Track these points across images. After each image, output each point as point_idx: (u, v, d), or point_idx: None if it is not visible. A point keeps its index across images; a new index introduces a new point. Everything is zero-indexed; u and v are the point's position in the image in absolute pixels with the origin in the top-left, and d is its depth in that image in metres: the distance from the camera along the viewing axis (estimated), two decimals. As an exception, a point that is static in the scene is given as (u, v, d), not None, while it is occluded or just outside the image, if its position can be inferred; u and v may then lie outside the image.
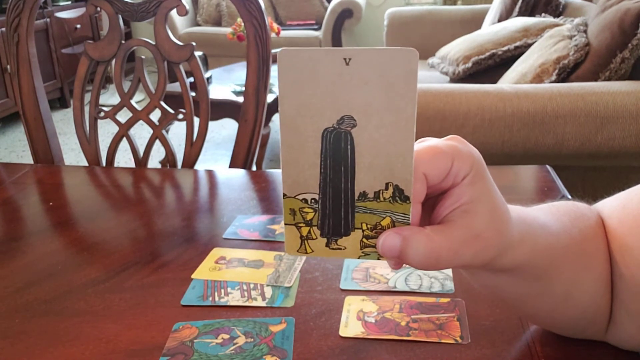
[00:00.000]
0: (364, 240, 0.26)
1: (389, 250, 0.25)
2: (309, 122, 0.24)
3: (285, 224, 0.26)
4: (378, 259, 0.26)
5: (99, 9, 0.88)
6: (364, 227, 0.25)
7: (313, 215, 0.26)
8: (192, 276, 0.52)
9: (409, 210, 0.24)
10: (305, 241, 0.26)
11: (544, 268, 0.32)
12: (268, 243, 0.58)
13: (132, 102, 0.90)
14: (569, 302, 0.35)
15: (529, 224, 0.31)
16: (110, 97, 3.48)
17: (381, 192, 0.25)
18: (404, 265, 0.27)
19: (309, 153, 0.24)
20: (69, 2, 3.69)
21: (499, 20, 2.32)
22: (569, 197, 0.65)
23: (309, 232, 0.26)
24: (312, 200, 0.25)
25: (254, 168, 0.93)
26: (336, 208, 0.25)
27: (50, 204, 0.70)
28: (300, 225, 0.26)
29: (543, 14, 2.13)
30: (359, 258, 0.26)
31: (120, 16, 0.88)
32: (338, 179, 0.25)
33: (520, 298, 0.35)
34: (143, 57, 0.91)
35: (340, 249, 0.26)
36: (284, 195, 0.26)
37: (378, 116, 0.23)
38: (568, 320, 0.38)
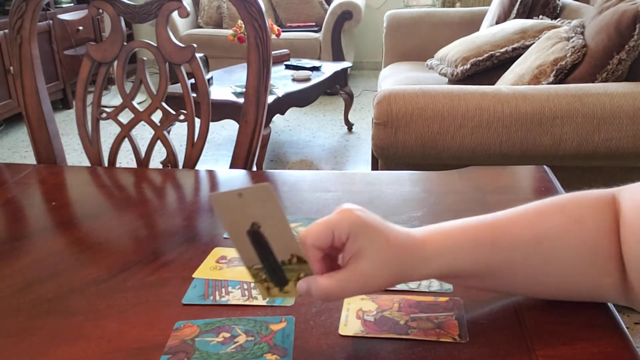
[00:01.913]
0: (296, 288, 0.41)
1: (302, 291, 0.40)
2: (241, 229, 0.40)
3: (255, 283, 0.42)
4: (300, 296, 0.42)
5: (101, 10, 0.89)
6: (293, 280, 0.41)
7: (265, 276, 0.42)
8: (194, 275, 0.52)
9: (309, 267, 0.40)
10: (269, 290, 0.42)
11: (479, 270, 0.43)
12: (268, 243, 0.58)
13: (134, 103, 0.90)
14: (542, 280, 0.44)
15: (441, 245, 0.42)
16: (112, 98, 3.48)
17: (290, 260, 0.40)
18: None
19: (248, 246, 0.41)
20: (72, 4, 3.70)
21: (497, 22, 2.32)
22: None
23: (268, 285, 0.42)
24: (261, 268, 0.41)
25: (254, 168, 0.93)
26: (272, 271, 0.41)
27: (53, 204, 0.70)
28: (262, 282, 0.42)
29: (540, 16, 2.14)
30: (298, 295, 0.42)
31: (122, 18, 0.89)
32: (266, 256, 0.41)
33: (498, 288, 0.46)
34: (145, 58, 0.91)
35: (288, 291, 0.42)
36: (247, 269, 0.42)
37: (267, 222, 0.39)
38: (556, 292, 0.45)
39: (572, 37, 1.54)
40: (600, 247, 0.42)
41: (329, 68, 2.87)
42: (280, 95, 2.40)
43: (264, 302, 0.48)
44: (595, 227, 0.42)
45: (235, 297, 0.49)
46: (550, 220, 0.43)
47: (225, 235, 0.60)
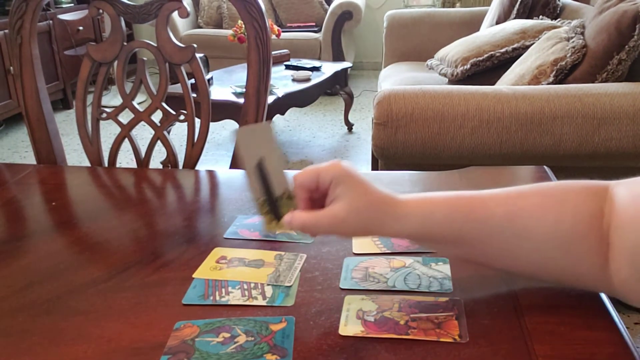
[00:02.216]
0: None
1: (285, 223, 0.46)
2: (252, 163, 0.48)
3: (260, 214, 0.49)
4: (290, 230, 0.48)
5: (101, 11, 0.89)
6: (285, 213, 0.47)
7: (267, 208, 0.48)
8: (193, 275, 0.52)
9: (296, 203, 0.47)
10: (271, 222, 0.48)
11: (448, 236, 0.45)
12: (268, 243, 0.58)
13: (134, 103, 0.90)
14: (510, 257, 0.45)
15: (417, 207, 0.45)
16: (112, 99, 3.48)
17: (282, 195, 0.48)
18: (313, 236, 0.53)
19: (256, 179, 0.48)
20: (72, 4, 3.70)
21: (497, 23, 2.32)
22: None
23: (271, 217, 0.48)
24: (264, 200, 0.48)
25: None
26: (271, 203, 0.48)
27: (53, 204, 0.70)
28: (266, 213, 0.48)
29: (541, 16, 2.14)
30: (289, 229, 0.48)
31: (122, 18, 0.89)
32: (267, 189, 0.48)
33: (474, 258, 0.48)
34: (145, 58, 0.91)
35: (282, 226, 0.48)
36: (254, 200, 0.49)
37: (269, 157, 0.47)
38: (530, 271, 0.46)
39: (572, 38, 1.54)
40: (578, 230, 0.42)
41: (329, 68, 2.87)
42: (280, 95, 2.40)
43: (264, 303, 0.48)
44: (574, 211, 0.43)
45: (235, 297, 0.49)
46: (527, 200, 0.45)
47: (225, 236, 0.60)
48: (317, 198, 0.46)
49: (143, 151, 0.92)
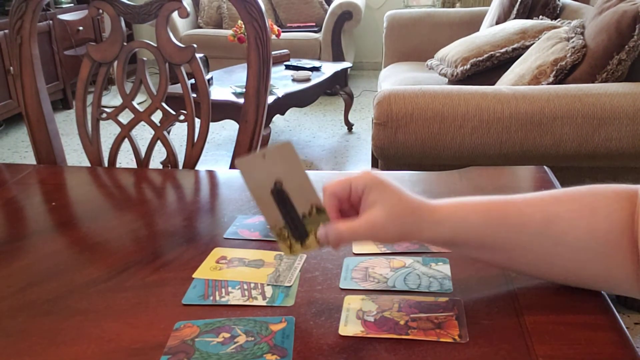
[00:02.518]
0: (316, 239, 0.47)
1: (321, 237, 0.45)
2: (265, 190, 0.46)
3: (278, 242, 0.48)
4: (320, 247, 0.47)
5: (101, 11, 0.89)
6: (313, 232, 0.46)
7: (287, 233, 0.47)
8: (193, 275, 0.52)
9: (327, 217, 0.46)
10: (291, 248, 0.48)
11: (480, 241, 0.45)
12: (268, 243, 0.58)
13: (134, 103, 0.90)
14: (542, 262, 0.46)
15: (452, 213, 0.46)
16: (112, 99, 3.48)
17: (310, 211, 0.46)
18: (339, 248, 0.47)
19: (272, 206, 0.46)
20: (72, 5, 3.70)
21: (497, 23, 2.32)
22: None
23: (290, 243, 0.47)
24: (284, 225, 0.47)
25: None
26: (294, 226, 0.47)
27: (53, 204, 0.70)
28: (285, 240, 0.47)
29: (540, 16, 2.14)
30: (320, 248, 0.47)
31: (122, 18, 0.89)
32: (289, 212, 0.46)
33: (507, 264, 0.48)
34: (145, 58, 0.91)
35: (309, 246, 0.47)
36: (271, 229, 0.47)
37: (288, 177, 0.46)
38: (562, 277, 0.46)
39: (572, 38, 1.54)
40: (611, 238, 0.42)
41: (329, 68, 2.87)
42: (280, 95, 2.40)
43: (264, 303, 0.48)
44: (607, 218, 0.43)
45: (235, 297, 0.49)
46: (562, 206, 0.44)
47: (225, 236, 0.60)
48: (347, 209, 0.46)
49: (143, 151, 0.92)
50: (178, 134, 2.87)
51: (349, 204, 0.46)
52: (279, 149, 0.45)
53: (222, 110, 2.25)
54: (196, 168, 0.90)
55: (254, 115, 0.88)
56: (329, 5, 3.80)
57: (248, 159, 0.46)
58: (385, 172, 0.50)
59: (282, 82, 2.60)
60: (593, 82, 1.44)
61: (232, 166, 0.91)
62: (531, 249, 0.45)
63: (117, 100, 3.42)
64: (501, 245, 0.45)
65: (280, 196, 0.45)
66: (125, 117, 0.87)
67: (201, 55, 2.36)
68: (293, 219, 0.46)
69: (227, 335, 0.44)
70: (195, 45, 0.89)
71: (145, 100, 2.83)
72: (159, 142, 0.91)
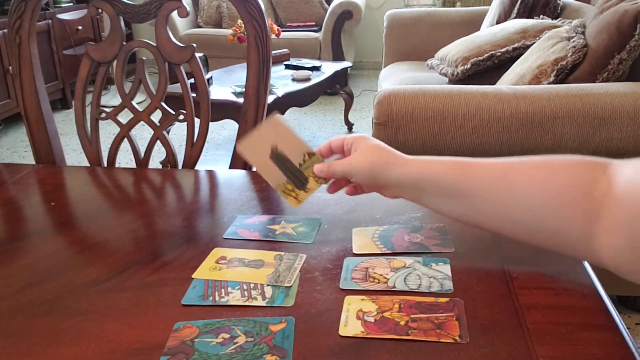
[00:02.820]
0: (314, 179, 0.58)
1: (318, 171, 0.57)
2: (265, 158, 0.58)
3: (285, 197, 0.59)
4: (320, 182, 0.58)
5: (100, 10, 0.89)
6: (310, 174, 0.58)
7: (291, 185, 0.58)
8: (193, 276, 0.52)
9: (319, 158, 0.58)
10: (297, 197, 0.58)
11: (442, 186, 0.51)
12: (268, 243, 0.58)
13: (133, 103, 0.90)
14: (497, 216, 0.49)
15: (419, 159, 0.53)
16: (111, 98, 3.48)
17: (304, 158, 0.58)
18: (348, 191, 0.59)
19: (274, 169, 0.58)
20: (71, 4, 3.70)
21: (498, 22, 2.32)
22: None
23: (294, 191, 0.58)
24: (286, 181, 0.58)
25: (254, 169, 0.93)
26: (295, 176, 0.58)
27: (52, 204, 0.70)
28: (289, 193, 0.58)
29: (541, 16, 2.13)
30: (319, 185, 0.58)
31: (121, 18, 0.89)
32: (288, 167, 0.58)
33: (466, 216, 0.52)
34: (144, 58, 0.91)
35: (310, 188, 0.58)
36: (277, 189, 0.59)
37: (280, 141, 0.57)
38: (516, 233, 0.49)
39: (572, 37, 1.54)
40: (567, 195, 0.44)
41: (329, 68, 2.87)
42: (280, 95, 2.40)
43: (263, 303, 0.48)
44: (564, 177, 0.45)
45: (234, 297, 0.49)
46: (523, 165, 0.47)
47: (225, 236, 0.60)
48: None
49: (142, 151, 0.92)
50: (177, 133, 2.87)
51: (344, 156, 0.57)
52: (268, 122, 0.56)
53: (222, 109, 2.25)
54: (196, 168, 0.90)
55: (253, 115, 0.88)
56: (329, 4, 3.80)
57: (247, 140, 0.57)
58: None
59: (282, 81, 2.60)
60: (594, 82, 1.44)
61: (232, 166, 0.91)
62: (488, 199, 0.48)
63: (117, 100, 3.42)
64: (458, 192, 0.49)
65: (278, 157, 0.57)
66: (124, 116, 0.87)
67: (201, 54, 2.36)
68: (292, 171, 0.57)
69: (226, 335, 0.44)
70: (194, 45, 0.88)
71: (144, 100, 2.83)
72: (158, 141, 0.91)
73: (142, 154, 0.93)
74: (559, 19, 2.05)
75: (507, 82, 1.68)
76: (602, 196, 0.42)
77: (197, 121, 0.89)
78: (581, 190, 0.43)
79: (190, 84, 0.89)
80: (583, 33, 1.55)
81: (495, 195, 0.48)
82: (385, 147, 0.55)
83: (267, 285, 0.50)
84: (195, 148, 0.90)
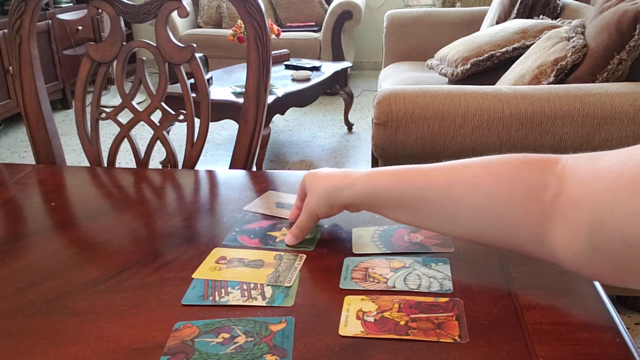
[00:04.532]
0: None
1: (289, 242, 0.57)
2: None
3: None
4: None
5: (100, 10, 0.89)
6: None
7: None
8: (193, 276, 0.52)
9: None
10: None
11: (391, 201, 0.52)
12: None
13: (133, 103, 0.90)
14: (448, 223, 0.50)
15: (364, 176, 0.53)
16: (111, 98, 3.48)
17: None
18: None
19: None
20: (71, 4, 3.70)
21: (497, 22, 2.32)
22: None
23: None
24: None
25: (254, 169, 0.93)
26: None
27: (52, 204, 0.70)
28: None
29: (541, 16, 2.14)
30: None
31: (121, 18, 0.89)
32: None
33: (418, 223, 0.53)
34: (144, 58, 0.91)
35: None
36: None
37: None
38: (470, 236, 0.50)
39: (572, 37, 1.54)
40: (513, 200, 0.44)
41: (328, 68, 2.87)
42: (280, 95, 2.40)
43: (263, 303, 0.48)
44: (510, 183, 0.45)
45: (234, 297, 0.49)
46: (468, 171, 0.48)
47: (224, 242, 0.60)
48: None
49: (142, 151, 0.92)
50: (177, 133, 2.87)
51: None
52: None
53: (222, 110, 2.25)
54: (196, 168, 0.90)
55: (253, 115, 0.88)
56: (329, 4, 3.80)
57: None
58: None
59: (281, 81, 2.60)
60: (594, 82, 1.44)
61: (232, 166, 0.91)
62: (437, 208, 0.49)
63: (117, 100, 3.42)
64: (410, 205, 0.50)
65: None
66: (124, 116, 0.87)
67: (201, 54, 2.36)
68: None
69: (226, 335, 0.44)
70: (194, 45, 0.88)
71: (144, 100, 2.83)
72: (158, 142, 0.91)
73: (142, 154, 0.93)
74: (559, 19, 2.06)
75: (506, 83, 1.68)
76: (553, 198, 0.42)
77: (197, 121, 0.89)
78: (529, 193, 0.43)
79: (190, 84, 0.89)
80: (583, 33, 1.55)
81: (442, 205, 0.48)
82: (332, 172, 0.55)
83: (267, 285, 0.50)
84: (195, 148, 0.90)
